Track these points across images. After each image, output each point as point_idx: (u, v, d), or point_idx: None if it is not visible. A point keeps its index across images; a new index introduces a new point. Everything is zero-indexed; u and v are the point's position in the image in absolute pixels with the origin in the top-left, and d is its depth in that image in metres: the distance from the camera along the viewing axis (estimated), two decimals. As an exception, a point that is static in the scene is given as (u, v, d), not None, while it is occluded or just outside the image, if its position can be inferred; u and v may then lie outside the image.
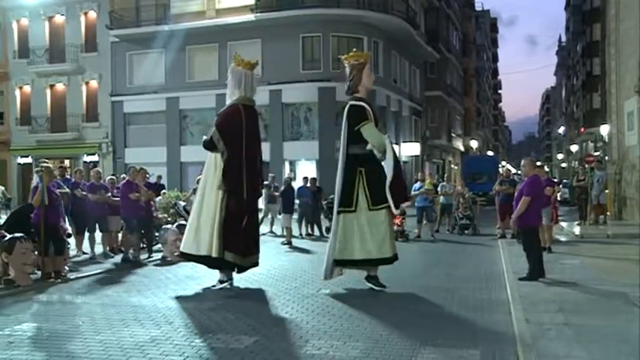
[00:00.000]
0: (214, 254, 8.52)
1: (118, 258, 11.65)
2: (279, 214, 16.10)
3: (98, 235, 12.22)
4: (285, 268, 10.64)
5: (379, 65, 29.89)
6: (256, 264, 9.14)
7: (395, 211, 8.44)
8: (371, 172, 8.39)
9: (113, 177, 13.79)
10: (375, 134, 8.44)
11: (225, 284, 8.67)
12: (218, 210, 8.59)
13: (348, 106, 8.64)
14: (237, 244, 8.60)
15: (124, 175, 14.57)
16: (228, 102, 9.15)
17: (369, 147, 8.39)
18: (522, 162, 9.64)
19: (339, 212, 8.45)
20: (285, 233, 15.23)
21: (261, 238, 10.27)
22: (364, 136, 8.38)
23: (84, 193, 12.07)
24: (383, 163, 8.42)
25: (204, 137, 9.10)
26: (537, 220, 8.97)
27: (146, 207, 12.04)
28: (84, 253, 12.18)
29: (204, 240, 8.63)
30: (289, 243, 14.50)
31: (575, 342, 5.40)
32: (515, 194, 9.31)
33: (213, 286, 8.70)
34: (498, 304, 7.41)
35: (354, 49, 9.28)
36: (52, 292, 8.51)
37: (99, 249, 12.13)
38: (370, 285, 8.42)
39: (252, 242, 9.04)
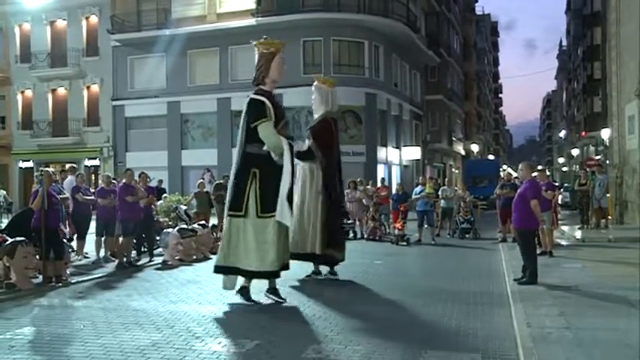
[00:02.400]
0: (318, 251, 9.49)
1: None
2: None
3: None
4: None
5: (380, 69, 29.96)
6: (344, 258, 9.99)
7: (287, 223, 7.81)
8: (266, 175, 7.76)
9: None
10: (271, 135, 7.75)
11: (334, 275, 9.84)
12: (320, 212, 9.52)
13: (248, 99, 8.07)
14: (337, 241, 9.79)
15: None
16: (315, 117, 10.21)
17: (266, 147, 7.83)
18: (520, 166, 9.65)
19: (227, 215, 7.96)
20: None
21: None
22: (260, 135, 7.77)
23: (85, 197, 12.09)
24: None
25: (296, 149, 9.43)
26: (535, 222, 8.97)
27: (146, 210, 12.05)
28: (85, 257, 12.19)
29: (309, 240, 9.57)
30: (290, 247, 14.47)
31: (576, 346, 5.39)
32: (515, 198, 9.30)
33: (312, 274, 9.83)
34: (499, 308, 7.41)
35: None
36: (53, 296, 8.51)
37: (101, 253, 12.13)
38: (270, 298, 7.86)
39: (343, 238, 10.41)
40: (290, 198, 7.84)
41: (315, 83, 10.26)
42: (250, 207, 7.73)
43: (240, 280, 8.07)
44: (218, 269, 8.05)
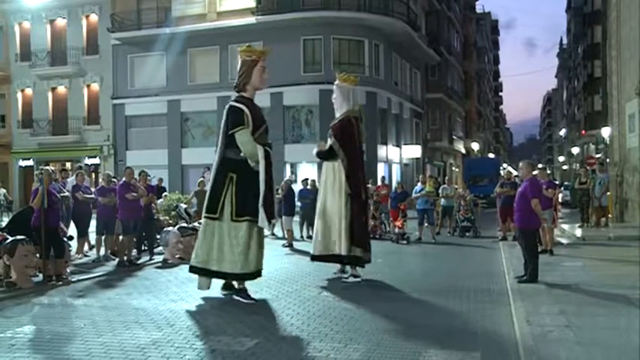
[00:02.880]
0: (344, 252, 9.37)
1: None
2: (280, 216, 16.08)
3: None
4: (286, 270, 10.64)
5: (380, 67, 29.94)
6: (370, 259, 9.77)
7: (266, 227, 7.97)
8: (242, 180, 7.92)
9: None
10: (247, 142, 7.91)
11: (359, 279, 9.46)
12: (344, 212, 9.39)
13: (227, 106, 8.25)
14: (363, 241, 9.58)
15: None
16: (337, 115, 10.01)
17: (242, 154, 7.97)
18: (520, 164, 9.65)
19: (203, 217, 8.15)
20: (286, 235, 15.24)
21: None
22: (237, 142, 7.94)
23: (85, 195, 12.08)
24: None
25: (316, 150, 10.02)
26: (537, 221, 8.98)
27: (146, 208, 12.06)
28: (85, 255, 12.19)
29: (333, 241, 9.51)
30: (290, 245, 14.51)
31: (576, 344, 5.40)
32: (516, 197, 9.30)
33: (346, 278, 9.50)
34: (500, 306, 7.41)
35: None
36: (53, 295, 8.51)
37: (101, 251, 12.13)
38: (238, 298, 7.92)
39: (369, 239, 10.05)
40: (266, 204, 7.80)
41: (337, 82, 10.14)
42: (225, 210, 7.88)
43: (220, 282, 8.20)
44: (192, 269, 8.18)
